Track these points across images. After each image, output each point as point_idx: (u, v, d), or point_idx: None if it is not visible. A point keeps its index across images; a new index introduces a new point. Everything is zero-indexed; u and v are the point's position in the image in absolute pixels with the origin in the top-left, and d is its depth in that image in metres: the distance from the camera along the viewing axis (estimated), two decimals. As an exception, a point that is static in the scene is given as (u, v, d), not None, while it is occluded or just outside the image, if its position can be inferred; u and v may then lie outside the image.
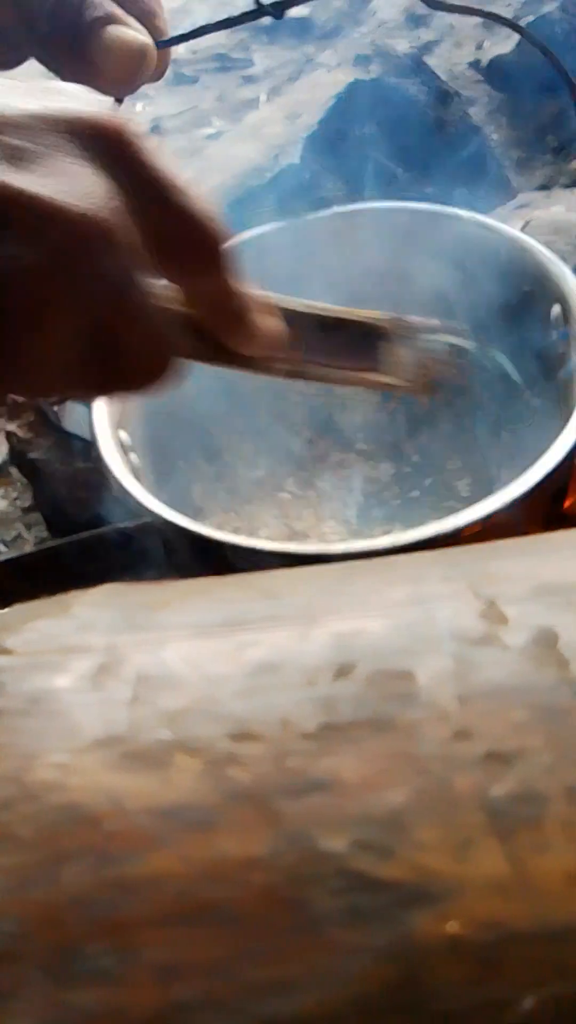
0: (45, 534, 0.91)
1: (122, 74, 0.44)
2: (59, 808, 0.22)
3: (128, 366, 0.36)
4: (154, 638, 0.26)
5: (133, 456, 0.64)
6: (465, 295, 0.73)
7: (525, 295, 0.69)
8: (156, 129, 1.39)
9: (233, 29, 1.52)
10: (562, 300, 0.65)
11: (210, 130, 1.37)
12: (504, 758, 0.23)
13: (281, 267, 0.72)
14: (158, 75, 0.48)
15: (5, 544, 0.93)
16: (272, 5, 0.47)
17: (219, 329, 0.41)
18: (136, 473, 0.61)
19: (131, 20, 0.44)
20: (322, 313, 0.53)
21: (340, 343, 0.53)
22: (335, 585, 0.29)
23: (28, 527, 0.93)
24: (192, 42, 1.60)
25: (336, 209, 0.77)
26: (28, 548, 0.90)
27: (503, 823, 0.22)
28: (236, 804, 0.22)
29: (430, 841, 0.22)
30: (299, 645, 0.25)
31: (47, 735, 0.24)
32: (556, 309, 0.65)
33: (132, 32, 0.43)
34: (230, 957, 0.21)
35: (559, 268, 0.66)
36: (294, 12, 1.61)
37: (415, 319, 0.60)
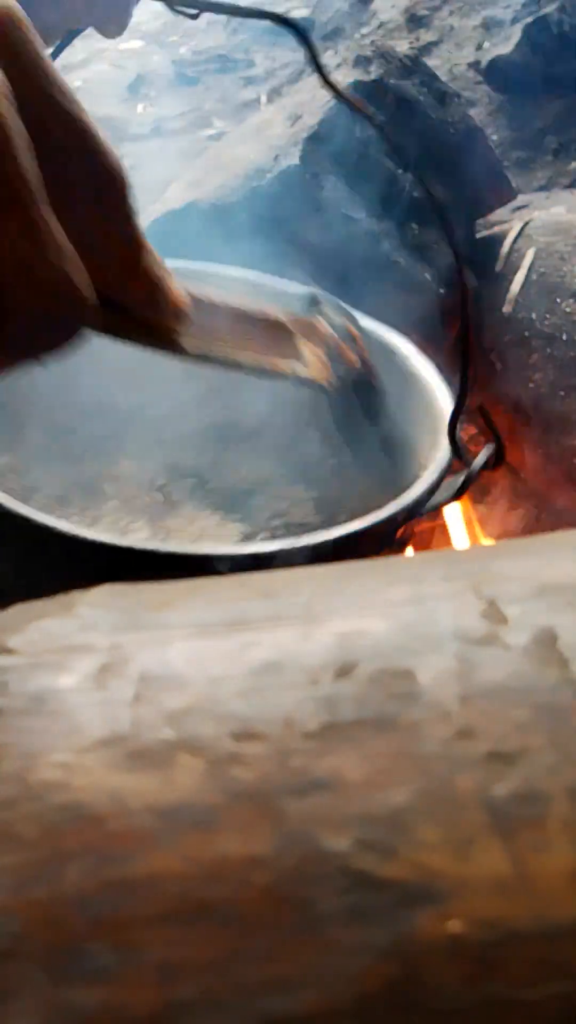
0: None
1: (73, 10, 0.47)
2: (62, 807, 0.23)
3: (21, 328, 0.30)
4: (157, 637, 0.26)
5: None
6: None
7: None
8: (158, 130, 1.40)
9: (235, 30, 1.52)
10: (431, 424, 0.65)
11: (211, 131, 1.37)
12: (506, 758, 0.23)
13: None
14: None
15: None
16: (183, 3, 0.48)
17: (124, 286, 0.36)
18: None
19: None
20: (233, 305, 0.51)
21: (251, 333, 0.52)
22: (336, 585, 0.29)
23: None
24: (194, 43, 1.60)
25: (183, 264, 0.78)
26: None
27: (505, 823, 0.22)
28: (238, 803, 0.22)
29: (432, 840, 0.22)
30: (301, 645, 0.25)
31: (50, 734, 0.24)
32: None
33: None
34: (231, 956, 0.21)
35: (434, 382, 0.66)
36: (295, 13, 1.61)
37: (320, 325, 0.60)
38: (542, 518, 0.86)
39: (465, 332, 0.53)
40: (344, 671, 0.25)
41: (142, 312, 0.38)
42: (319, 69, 0.46)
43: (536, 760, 0.23)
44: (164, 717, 0.24)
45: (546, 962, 0.21)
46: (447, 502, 0.57)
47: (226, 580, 0.30)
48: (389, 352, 0.71)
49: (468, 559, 0.30)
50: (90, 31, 0.54)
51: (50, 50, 0.52)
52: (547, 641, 0.25)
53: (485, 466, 0.56)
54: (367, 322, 0.73)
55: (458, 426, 0.54)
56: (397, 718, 0.23)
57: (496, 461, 0.56)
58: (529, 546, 0.31)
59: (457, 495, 0.57)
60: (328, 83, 0.46)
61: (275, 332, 0.53)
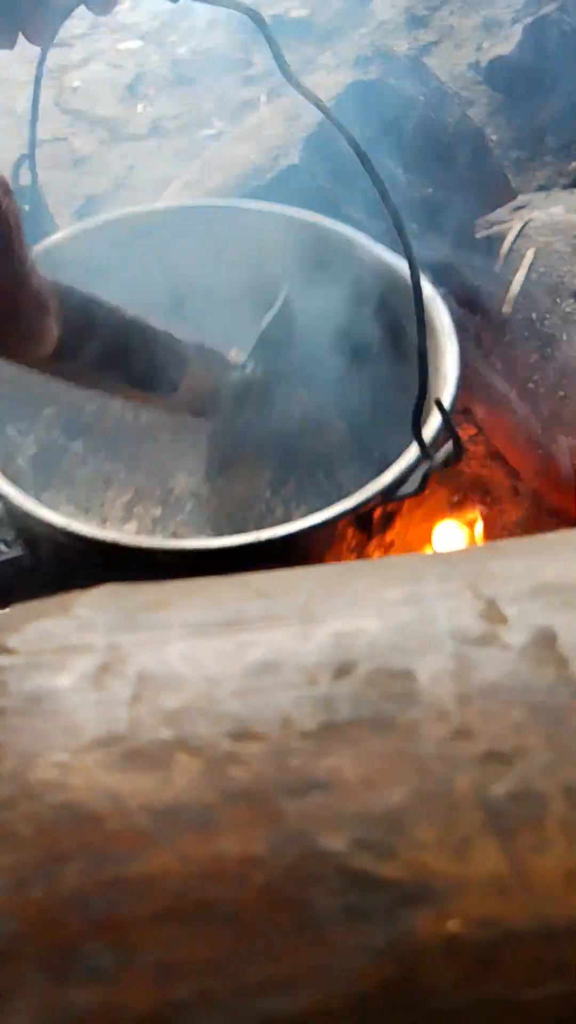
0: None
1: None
2: (59, 807, 0.23)
3: None
4: (155, 637, 0.26)
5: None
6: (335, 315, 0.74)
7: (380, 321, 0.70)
8: (157, 129, 1.40)
9: (233, 30, 1.52)
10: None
11: (210, 131, 1.37)
12: (503, 757, 0.23)
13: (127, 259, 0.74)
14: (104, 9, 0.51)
15: (6, 544, 0.93)
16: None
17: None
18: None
19: None
20: (117, 320, 0.54)
21: (132, 359, 0.56)
22: (333, 585, 0.29)
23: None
24: (193, 43, 1.60)
25: (190, 203, 0.80)
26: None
27: (502, 822, 0.22)
28: (236, 803, 0.22)
29: (429, 840, 0.22)
30: (299, 645, 0.25)
31: (48, 734, 0.24)
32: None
33: None
34: (229, 956, 0.21)
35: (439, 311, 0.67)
36: (294, 13, 1.60)
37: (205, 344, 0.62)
38: (541, 518, 0.86)
39: (422, 336, 0.54)
40: (342, 671, 0.25)
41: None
42: (280, 62, 0.47)
43: (533, 760, 0.23)
44: (162, 717, 0.24)
45: (544, 962, 0.21)
46: (412, 494, 0.60)
47: (224, 580, 0.30)
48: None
49: (466, 559, 0.30)
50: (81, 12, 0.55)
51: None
52: (546, 641, 0.25)
53: (446, 463, 0.58)
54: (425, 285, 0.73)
55: (421, 423, 0.56)
56: (395, 718, 0.23)
57: (455, 459, 0.58)
58: (527, 546, 0.31)
59: (419, 489, 0.59)
60: (289, 77, 0.47)
61: (159, 356, 0.58)
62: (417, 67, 1.00)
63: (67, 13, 0.52)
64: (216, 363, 0.64)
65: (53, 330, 0.48)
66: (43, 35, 0.51)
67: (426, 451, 0.58)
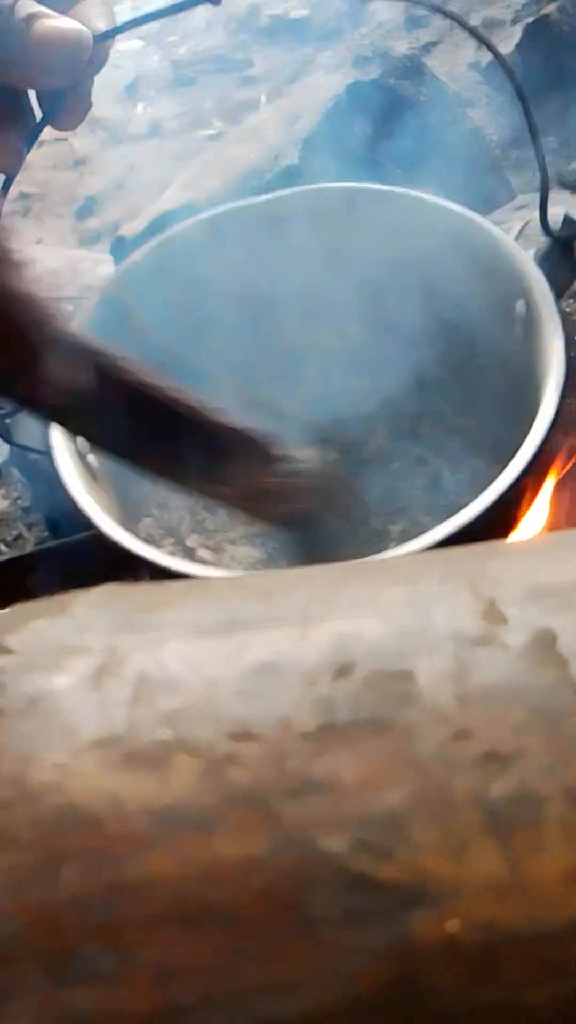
0: (45, 534, 0.91)
1: (60, 64, 0.44)
2: (58, 809, 0.22)
3: None
4: (153, 638, 0.26)
5: (91, 458, 0.63)
6: (428, 287, 0.72)
7: (490, 287, 0.68)
8: (156, 130, 1.40)
9: (233, 31, 1.52)
10: (527, 295, 0.62)
11: (210, 131, 1.37)
12: (503, 759, 0.23)
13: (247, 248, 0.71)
14: (98, 67, 0.47)
15: (6, 544, 0.93)
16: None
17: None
18: (93, 476, 0.60)
19: (62, 18, 0.44)
20: (163, 396, 0.46)
21: (175, 436, 0.48)
22: (333, 586, 0.29)
23: (28, 527, 0.93)
24: (193, 43, 1.60)
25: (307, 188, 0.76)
26: (28, 548, 0.91)
27: (501, 824, 0.22)
28: (235, 805, 0.22)
29: (428, 842, 0.22)
30: (298, 646, 0.25)
31: (46, 736, 0.24)
32: (520, 305, 0.63)
33: (65, 20, 0.43)
34: (228, 958, 0.21)
35: (525, 263, 0.64)
36: (294, 13, 1.61)
37: (280, 446, 0.52)
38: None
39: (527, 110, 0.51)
40: (341, 672, 0.24)
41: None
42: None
43: (533, 761, 0.23)
44: (160, 718, 0.24)
45: (543, 963, 0.21)
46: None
47: (223, 581, 0.30)
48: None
49: (466, 559, 0.30)
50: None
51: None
52: (546, 642, 0.25)
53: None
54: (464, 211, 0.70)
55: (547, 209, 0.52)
56: (394, 719, 0.23)
57: None
58: (528, 546, 0.31)
59: None
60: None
61: (204, 441, 0.49)
62: (417, 67, 1.00)
63: (35, 135, 0.48)
64: (262, 457, 0.52)
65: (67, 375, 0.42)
66: (9, 159, 0.47)
67: (552, 232, 0.54)
